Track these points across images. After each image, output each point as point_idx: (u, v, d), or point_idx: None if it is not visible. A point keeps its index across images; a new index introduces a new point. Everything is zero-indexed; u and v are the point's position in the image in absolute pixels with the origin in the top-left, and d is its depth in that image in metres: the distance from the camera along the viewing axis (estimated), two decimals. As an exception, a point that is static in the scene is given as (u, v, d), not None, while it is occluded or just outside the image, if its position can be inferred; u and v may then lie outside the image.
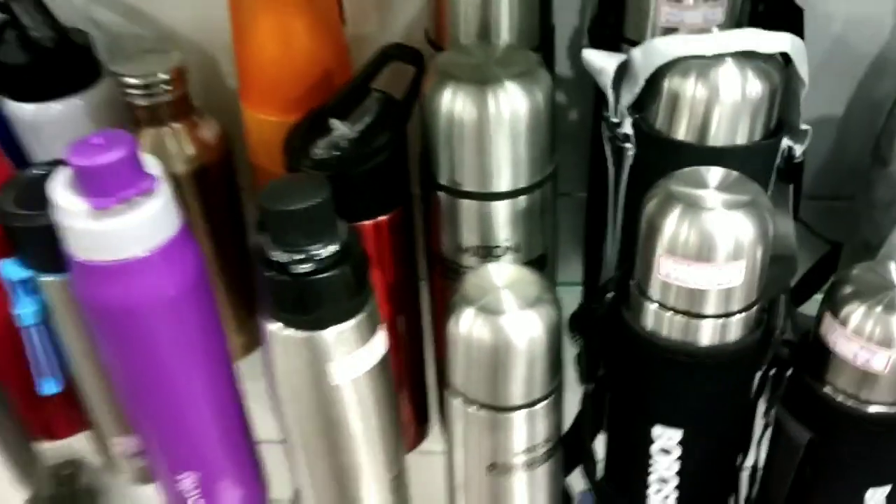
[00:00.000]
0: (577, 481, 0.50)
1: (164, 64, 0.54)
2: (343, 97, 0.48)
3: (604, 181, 0.51)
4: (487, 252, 0.49)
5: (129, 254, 0.41)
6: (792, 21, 0.53)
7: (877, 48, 0.61)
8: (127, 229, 0.40)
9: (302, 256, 0.39)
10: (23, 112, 0.57)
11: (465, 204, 0.47)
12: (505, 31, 0.51)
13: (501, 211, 0.47)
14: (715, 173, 0.40)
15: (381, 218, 0.48)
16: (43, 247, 0.46)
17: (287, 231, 0.39)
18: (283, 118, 0.52)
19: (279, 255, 0.39)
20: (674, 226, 0.39)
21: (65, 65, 0.56)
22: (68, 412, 0.59)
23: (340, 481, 0.47)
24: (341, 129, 0.47)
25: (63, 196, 0.40)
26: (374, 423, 0.46)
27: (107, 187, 0.39)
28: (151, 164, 0.42)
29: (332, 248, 0.40)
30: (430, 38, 0.55)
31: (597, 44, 0.52)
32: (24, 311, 0.48)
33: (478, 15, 0.51)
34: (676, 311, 0.41)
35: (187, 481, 0.51)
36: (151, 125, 0.55)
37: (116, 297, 0.42)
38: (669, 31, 0.50)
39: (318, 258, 0.39)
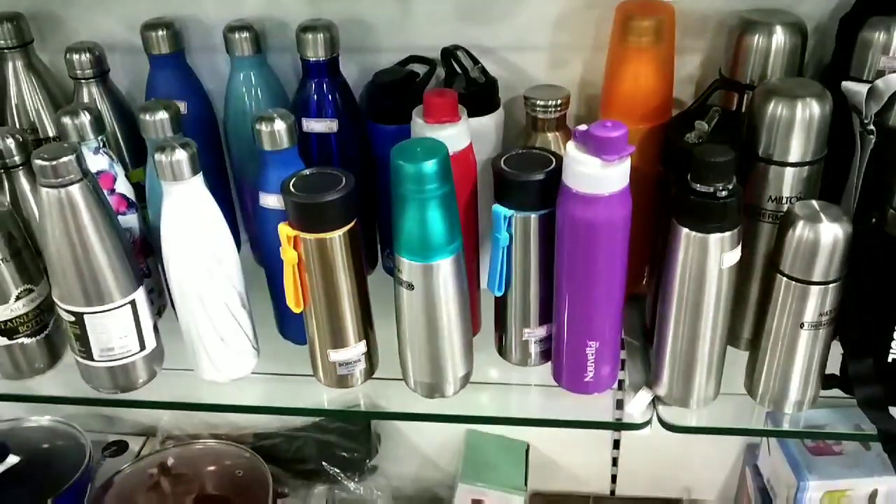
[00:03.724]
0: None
1: (557, 94, 0.86)
2: (695, 108, 0.81)
3: (839, 158, 0.82)
4: (782, 200, 0.80)
5: (612, 190, 0.72)
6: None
7: None
8: (617, 175, 0.71)
9: (720, 187, 0.71)
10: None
11: (773, 168, 0.79)
12: (779, 71, 0.84)
13: (795, 174, 0.79)
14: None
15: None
16: (521, 195, 0.77)
17: (713, 174, 0.70)
18: (634, 126, 0.85)
19: (705, 188, 0.71)
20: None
21: (485, 94, 0.89)
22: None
23: (700, 343, 0.78)
24: (702, 126, 0.79)
25: (577, 154, 0.72)
26: (728, 298, 0.77)
27: (613, 150, 0.70)
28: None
29: (731, 186, 0.71)
30: (722, 74, 0.87)
31: (832, 78, 0.84)
32: (502, 236, 0.79)
33: (761, 63, 0.84)
34: (923, 221, 0.72)
35: (591, 349, 0.81)
36: (542, 131, 0.87)
37: (599, 216, 0.73)
38: (881, 72, 0.82)
39: (728, 190, 0.71)
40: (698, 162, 0.71)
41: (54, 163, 0.73)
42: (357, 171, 0.80)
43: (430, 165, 0.72)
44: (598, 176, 0.71)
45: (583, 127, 0.72)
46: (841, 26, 0.84)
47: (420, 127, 0.80)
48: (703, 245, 0.73)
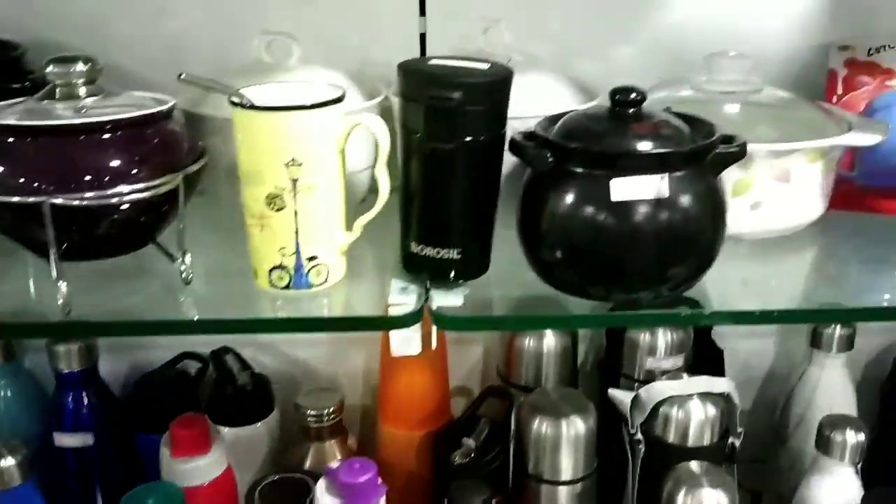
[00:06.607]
0: None
1: (331, 400, 0.82)
2: (465, 420, 0.78)
3: (614, 468, 0.81)
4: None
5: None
6: (716, 359, 0.87)
7: (767, 366, 0.96)
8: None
9: None
10: (223, 433, 0.83)
11: (545, 486, 0.76)
12: (552, 378, 0.83)
13: (568, 492, 0.76)
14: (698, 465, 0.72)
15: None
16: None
17: None
18: (409, 432, 0.82)
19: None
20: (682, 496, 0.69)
21: (255, 400, 0.84)
22: None
23: None
24: (469, 443, 0.76)
25: (327, 497, 0.67)
26: None
27: (361, 496, 0.66)
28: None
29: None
30: (500, 373, 0.86)
31: (605, 377, 0.84)
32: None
33: (534, 365, 0.83)
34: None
35: None
36: (317, 440, 0.83)
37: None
38: (650, 371, 0.83)
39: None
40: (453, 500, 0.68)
41: None
42: (120, 489, 0.73)
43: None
44: (348, 520, 0.67)
45: (334, 465, 0.68)
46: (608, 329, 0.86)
47: (168, 461, 0.74)
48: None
